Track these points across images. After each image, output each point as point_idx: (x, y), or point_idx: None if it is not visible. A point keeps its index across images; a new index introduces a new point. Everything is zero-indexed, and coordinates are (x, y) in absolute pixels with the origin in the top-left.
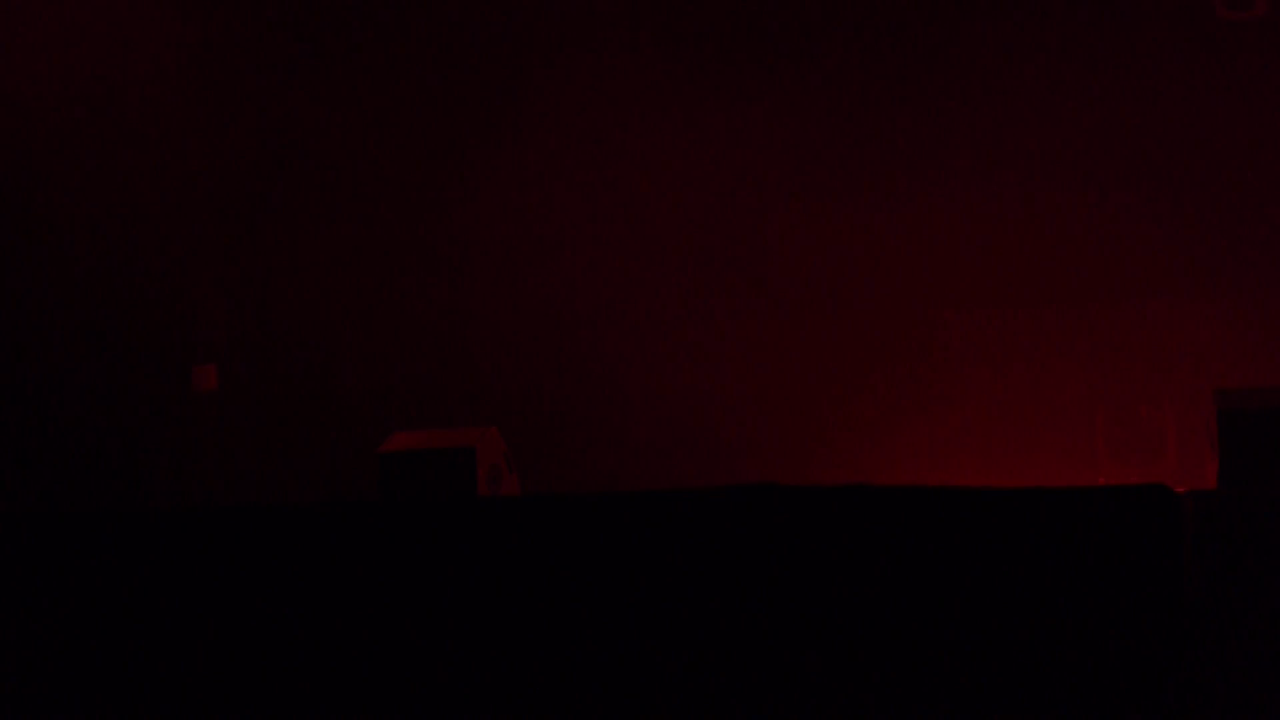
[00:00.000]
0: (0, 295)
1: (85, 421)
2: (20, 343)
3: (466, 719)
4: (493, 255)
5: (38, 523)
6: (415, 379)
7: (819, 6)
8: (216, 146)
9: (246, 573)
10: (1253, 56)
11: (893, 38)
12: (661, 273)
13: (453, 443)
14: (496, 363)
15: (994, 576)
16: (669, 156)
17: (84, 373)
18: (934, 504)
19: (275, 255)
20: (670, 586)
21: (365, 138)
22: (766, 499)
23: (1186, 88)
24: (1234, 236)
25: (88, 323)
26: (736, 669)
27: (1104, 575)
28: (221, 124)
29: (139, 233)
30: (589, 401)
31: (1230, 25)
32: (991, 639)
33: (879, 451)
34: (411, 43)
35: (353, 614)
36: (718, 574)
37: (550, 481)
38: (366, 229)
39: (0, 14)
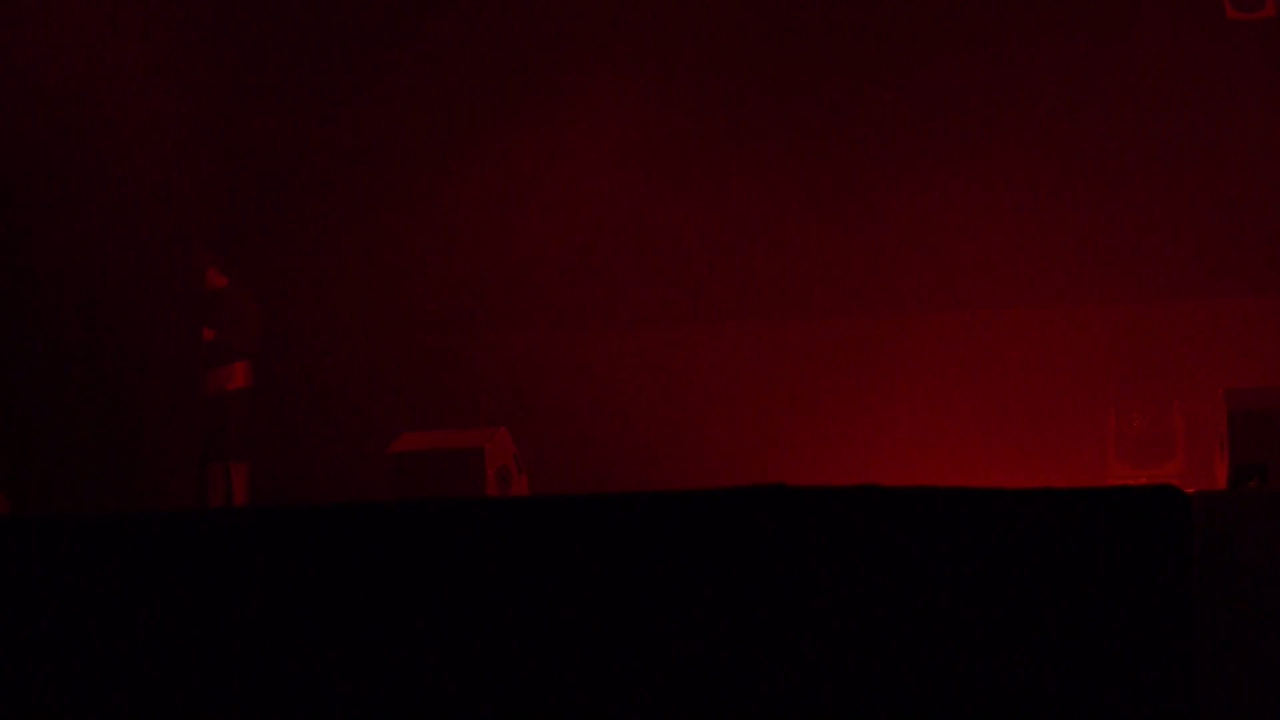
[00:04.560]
0: (3, 296)
1: (88, 422)
2: (22, 343)
3: (475, 718)
4: (503, 260)
5: (38, 523)
6: (425, 380)
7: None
8: (225, 151)
9: (256, 573)
10: (1262, 57)
11: (890, 29)
12: (669, 277)
13: (462, 443)
14: (507, 364)
15: (1003, 577)
16: (673, 165)
17: (90, 374)
18: (943, 505)
19: (283, 258)
20: (679, 587)
21: (374, 147)
22: (775, 500)
23: (1195, 88)
24: (1244, 237)
25: (91, 323)
26: (745, 669)
27: (1113, 576)
28: (231, 130)
29: (145, 235)
30: (599, 403)
31: (1239, 25)
32: (1001, 639)
33: (888, 452)
34: (420, 49)
35: (362, 614)
36: (726, 575)
37: (560, 482)
38: (376, 233)
39: (2, 15)
